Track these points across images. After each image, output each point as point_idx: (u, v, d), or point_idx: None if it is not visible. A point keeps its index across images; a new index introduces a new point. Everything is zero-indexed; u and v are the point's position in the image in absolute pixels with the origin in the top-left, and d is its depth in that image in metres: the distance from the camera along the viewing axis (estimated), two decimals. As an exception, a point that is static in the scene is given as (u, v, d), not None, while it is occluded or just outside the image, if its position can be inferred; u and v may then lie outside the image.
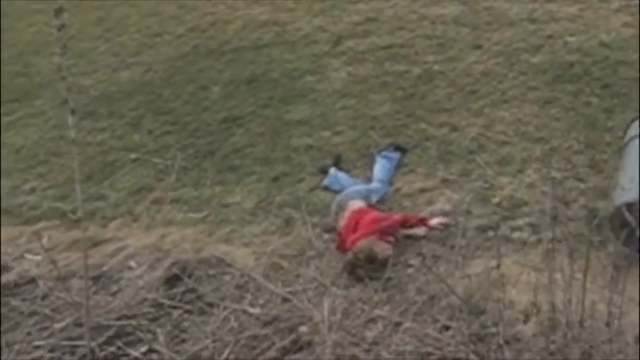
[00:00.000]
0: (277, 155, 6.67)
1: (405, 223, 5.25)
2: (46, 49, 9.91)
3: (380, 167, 5.99)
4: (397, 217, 5.29)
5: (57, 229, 6.58)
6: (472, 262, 4.92)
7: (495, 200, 5.44)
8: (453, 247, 5.06)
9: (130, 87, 8.67)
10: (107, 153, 7.52)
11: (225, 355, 4.29)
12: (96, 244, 6.25)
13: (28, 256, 6.17)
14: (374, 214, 5.37)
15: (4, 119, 8.69)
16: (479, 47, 7.49)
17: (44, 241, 6.37)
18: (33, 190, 7.27)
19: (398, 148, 6.16)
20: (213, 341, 4.47)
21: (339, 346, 4.15)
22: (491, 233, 5.14)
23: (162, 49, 9.29)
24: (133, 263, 5.79)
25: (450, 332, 4.22)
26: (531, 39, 7.37)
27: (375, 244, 5.05)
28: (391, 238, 5.17)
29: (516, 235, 5.10)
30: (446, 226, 5.29)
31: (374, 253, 4.99)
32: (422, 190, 5.75)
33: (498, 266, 4.40)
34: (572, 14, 7.56)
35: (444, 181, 5.77)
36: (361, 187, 5.77)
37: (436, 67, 7.30)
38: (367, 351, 4.16)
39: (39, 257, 6.05)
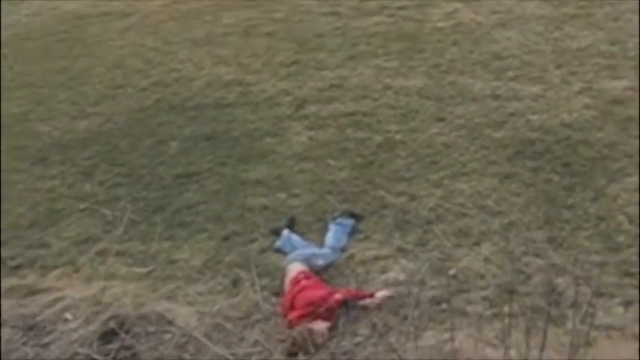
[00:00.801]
0: (231, 214, 6.48)
1: (346, 301, 5.05)
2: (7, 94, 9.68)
3: (332, 233, 5.85)
4: (338, 296, 5.07)
5: (-6, 276, 6.27)
6: (424, 333, 4.73)
7: (451, 272, 5.29)
8: (405, 318, 4.88)
9: (86, 136, 8.44)
10: (55, 200, 7.26)
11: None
12: (33, 292, 5.97)
13: (-42, 301, 5.83)
14: (311, 292, 5.14)
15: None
16: (441, 120, 7.44)
17: (-22, 287, 6.06)
18: (-31, 238, 6.95)
19: (352, 215, 6.02)
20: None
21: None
22: (445, 305, 4.97)
23: (124, 101, 9.11)
24: (69, 315, 5.51)
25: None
26: (494, 115, 7.34)
27: (310, 331, 4.83)
28: (331, 317, 4.98)
29: (471, 308, 4.94)
30: (391, 299, 5.10)
31: (308, 342, 4.76)
32: (376, 258, 5.59)
33: (451, 339, 4.25)
34: (535, 94, 7.58)
35: (400, 249, 5.62)
36: (306, 250, 5.59)
37: (398, 137, 7.22)
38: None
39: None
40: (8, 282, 6.14)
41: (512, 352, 4.22)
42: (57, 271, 6.20)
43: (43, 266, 6.29)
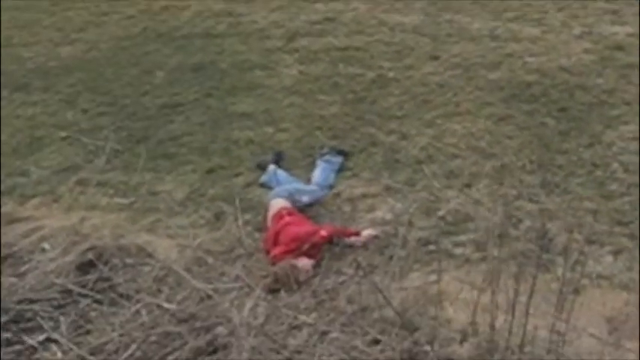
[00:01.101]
0: (216, 147, 6.30)
1: (332, 238, 4.92)
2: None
3: (320, 170, 5.67)
4: (324, 232, 4.91)
5: (-30, 203, 6.09)
6: (410, 275, 4.62)
7: (440, 213, 5.15)
8: (391, 258, 4.76)
9: (70, 63, 8.21)
10: (36, 128, 7.06)
11: (130, 351, 3.88)
12: (11, 221, 5.79)
13: None
14: (295, 228, 4.98)
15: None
16: (436, 58, 7.24)
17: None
18: (-48, 160, 6.75)
19: (341, 152, 5.84)
20: (120, 335, 4.06)
21: (258, 351, 3.78)
22: (432, 247, 4.84)
23: (110, 29, 8.85)
24: (46, 245, 5.34)
25: (380, 346, 3.90)
26: (490, 55, 7.14)
27: (293, 267, 4.69)
28: (316, 255, 4.85)
29: (459, 250, 4.81)
30: (377, 238, 4.97)
31: (291, 279, 4.62)
32: (364, 196, 5.44)
33: (438, 281, 4.13)
34: (534, 36, 7.37)
35: (388, 188, 5.47)
36: (291, 186, 5.43)
37: (391, 74, 7.02)
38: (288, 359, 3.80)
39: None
40: (-15, 211, 5.97)
41: (500, 297, 4.13)
42: (36, 200, 6.02)
43: (21, 195, 6.11)
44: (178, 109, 6.93)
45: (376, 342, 3.95)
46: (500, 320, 3.91)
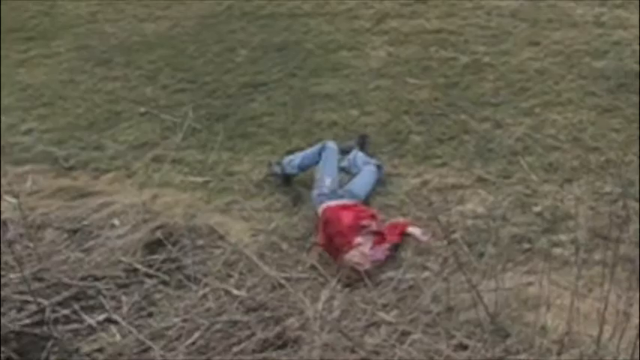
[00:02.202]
0: (297, 128, 5.97)
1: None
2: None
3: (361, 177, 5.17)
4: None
5: (45, 175, 5.95)
6: (501, 275, 4.14)
7: (536, 209, 4.69)
8: (481, 255, 4.32)
9: (153, 40, 8.01)
10: (115, 103, 6.89)
11: (193, 339, 3.59)
12: (83, 195, 5.63)
13: (7, 197, 5.51)
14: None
15: (18, 57, 8.09)
16: (536, 44, 6.71)
17: (28, 184, 5.75)
18: (29, 131, 6.66)
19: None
20: (184, 320, 3.77)
21: (331, 348, 3.43)
22: (527, 245, 4.39)
23: (194, 7, 8.61)
24: (116, 221, 5.14)
25: (467, 353, 3.48)
26: (595, 43, 6.58)
27: (354, 258, 4.36)
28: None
29: (557, 251, 4.34)
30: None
31: (354, 272, 4.28)
32: (454, 187, 5.02)
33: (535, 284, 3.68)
34: (645, 23, 6.77)
35: (480, 180, 5.03)
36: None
37: (486, 59, 6.55)
38: (363, 360, 3.44)
39: (16, 200, 5.40)
40: (59, 182, 5.83)
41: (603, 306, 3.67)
42: (109, 175, 5.84)
43: (96, 169, 5.95)
44: (260, 89, 6.63)
45: (463, 347, 3.55)
46: (606, 332, 3.46)
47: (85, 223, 5.18)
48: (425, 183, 5.11)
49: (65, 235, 4.97)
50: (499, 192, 4.88)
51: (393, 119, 5.87)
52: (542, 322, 3.76)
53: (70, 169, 6.04)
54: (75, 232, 5.02)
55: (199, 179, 5.52)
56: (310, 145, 5.52)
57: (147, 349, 3.52)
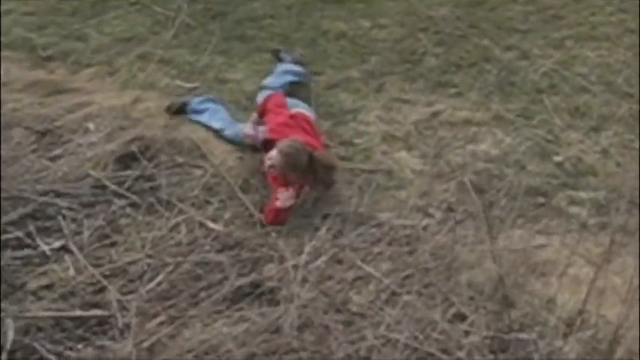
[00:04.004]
0: (300, 36, 5.41)
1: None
2: None
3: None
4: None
5: (20, 64, 5.41)
6: (511, 231, 3.70)
7: (557, 159, 4.18)
8: (490, 205, 3.84)
9: None
10: (105, -12, 6.25)
11: (157, 280, 3.15)
12: (58, 91, 5.10)
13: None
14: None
15: None
16: (576, -34, 6.04)
17: (-1, 75, 5.22)
18: (9, 12, 6.08)
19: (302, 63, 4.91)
20: (149, 256, 3.32)
21: (311, 307, 3.00)
22: (542, 199, 3.91)
23: None
24: (91, 125, 4.63)
25: (464, 326, 3.06)
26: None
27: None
28: None
29: (575, 210, 3.85)
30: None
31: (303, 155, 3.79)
32: (467, 122, 4.49)
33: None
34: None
35: (498, 117, 4.50)
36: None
37: (518, -22, 5.89)
38: (346, 323, 3.01)
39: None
40: (34, 75, 5.28)
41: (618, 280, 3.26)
42: (90, 70, 5.29)
43: (76, 62, 5.39)
44: (265, -13, 6.01)
45: (461, 318, 3.12)
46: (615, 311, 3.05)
47: (57, 124, 4.67)
48: (435, 114, 4.58)
49: (33, 138, 4.47)
50: (517, 134, 4.36)
51: (408, 36, 5.31)
52: (551, 294, 3.32)
53: (48, 59, 5.48)
54: (44, 134, 4.52)
55: (187, 84, 4.98)
56: (314, 57, 4.98)
57: (102, 290, 3.09)
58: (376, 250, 3.50)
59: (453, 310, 3.16)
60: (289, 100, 4.31)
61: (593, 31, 5.25)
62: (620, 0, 5.59)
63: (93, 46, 5.56)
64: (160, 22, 5.73)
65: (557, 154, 4.21)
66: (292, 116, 4.12)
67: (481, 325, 3.04)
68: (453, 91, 4.76)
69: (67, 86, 5.14)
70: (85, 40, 5.64)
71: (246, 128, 4.27)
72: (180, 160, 4.20)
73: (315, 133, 4.10)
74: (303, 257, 3.20)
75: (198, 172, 4.12)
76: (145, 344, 2.75)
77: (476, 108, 4.58)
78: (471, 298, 3.26)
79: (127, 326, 2.88)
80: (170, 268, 3.22)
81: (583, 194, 3.95)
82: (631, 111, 4.49)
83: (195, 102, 4.65)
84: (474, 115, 4.52)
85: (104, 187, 3.93)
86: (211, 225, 3.54)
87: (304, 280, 3.09)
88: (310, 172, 3.77)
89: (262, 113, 4.22)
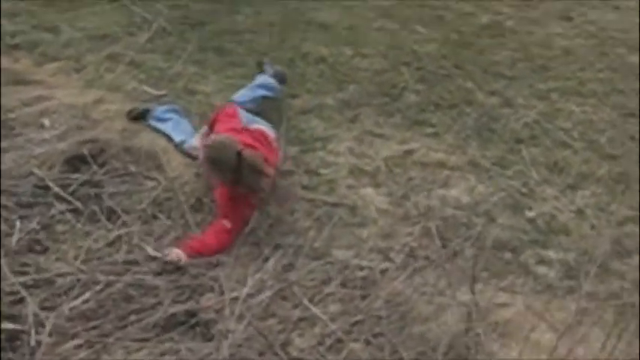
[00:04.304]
0: (280, 55, 5.18)
1: None
2: None
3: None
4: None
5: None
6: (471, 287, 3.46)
7: (530, 214, 3.97)
8: (454, 255, 3.62)
9: None
10: (86, -18, 6.02)
11: (82, 298, 2.86)
12: (19, 82, 4.84)
13: None
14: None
15: None
16: (568, 19, 5.97)
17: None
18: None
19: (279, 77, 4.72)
20: (80, 270, 3.03)
21: (246, 347, 2.74)
22: (509, 256, 3.69)
23: None
24: (46, 122, 4.37)
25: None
26: (635, 34, 5.80)
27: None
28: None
29: (543, 270, 3.63)
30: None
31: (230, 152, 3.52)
32: (441, 165, 4.27)
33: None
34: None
35: (473, 163, 4.29)
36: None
37: (509, 24, 5.77)
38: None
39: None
40: (-5, 63, 5.02)
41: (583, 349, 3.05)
42: (56, 64, 5.06)
43: (43, 54, 5.17)
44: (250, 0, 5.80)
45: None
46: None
47: (12, 116, 4.41)
48: (409, 152, 4.37)
49: (-23, 129, 4.19)
50: (491, 183, 4.15)
51: (390, 69, 5.12)
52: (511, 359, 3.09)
53: (15, 47, 5.23)
54: (-5, 125, 4.25)
55: (154, 91, 4.74)
56: (291, 79, 4.77)
57: (20, 301, 2.80)
58: (327, 290, 3.25)
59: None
60: (247, 116, 4.08)
61: (581, 86, 5.08)
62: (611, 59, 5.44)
63: (63, 39, 5.34)
64: (137, 24, 5.52)
65: (530, 208, 4.00)
66: (246, 129, 3.88)
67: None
68: (429, 130, 4.55)
69: (29, 77, 4.91)
70: (56, 32, 5.43)
71: (195, 140, 4.02)
72: (133, 169, 3.94)
73: (271, 148, 3.87)
74: (245, 290, 2.93)
75: (150, 183, 3.87)
76: (55, 368, 2.47)
77: (451, 151, 4.37)
78: (422, 354, 3.02)
79: (40, 345, 2.59)
80: (101, 285, 2.94)
81: (553, 254, 3.73)
82: (611, 174, 4.30)
83: (159, 110, 4.41)
84: (449, 158, 4.31)
85: (47, 188, 3.66)
86: (150, 251, 3.25)
87: (242, 316, 2.82)
88: (237, 174, 3.49)
89: (212, 125, 3.98)
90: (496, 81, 5.05)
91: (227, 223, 3.49)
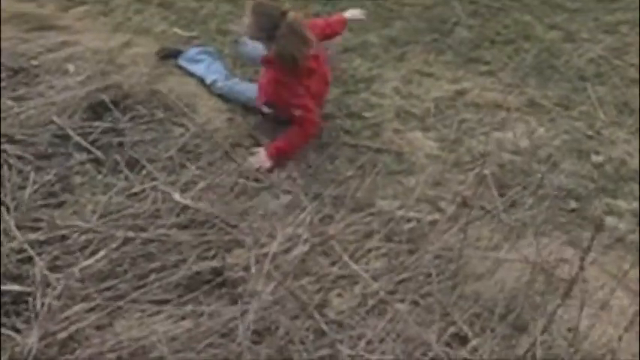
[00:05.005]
0: None
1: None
2: None
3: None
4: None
5: (8, -4, 4.87)
6: (534, 239, 3.09)
7: (597, 159, 3.57)
8: (512, 204, 3.25)
9: None
10: None
11: (97, 257, 2.58)
12: (44, 27, 4.55)
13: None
14: None
15: None
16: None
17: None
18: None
19: None
20: (93, 229, 2.75)
21: (276, 310, 2.43)
22: (574, 204, 3.30)
23: None
24: (71, 67, 4.08)
25: (464, 351, 2.48)
26: None
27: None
28: None
29: (612, 222, 3.24)
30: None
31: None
32: (496, 105, 3.89)
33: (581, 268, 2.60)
34: None
35: (532, 103, 3.90)
36: None
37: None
38: (317, 333, 2.44)
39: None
40: (22, 7, 4.75)
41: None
42: (82, 9, 4.76)
43: (69, -1, 4.86)
44: None
45: (461, 339, 2.54)
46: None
47: (35, 63, 4.13)
48: (461, 93, 3.99)
49: (4, 75, 3.93)
50: (553, 125, 3.75)
51: (441, 3, 4.69)
52: (573, 323, 2.73)
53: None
54: (17, 72, 3.98)
55: (184, 33, 4.42)
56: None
57: (28, 260, 2.54)
58: (369, 244, 2.92)
59: (452, 329, 2.58)
60: None
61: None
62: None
63: (90, -21, 5.01)
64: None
65: (597, 153, 3.60)
66: None
67: (485, 353, 2.46)
68: (483, 68, 4.15)
69: (54, 22, 4.62)
70: (82, -28, 5.09)
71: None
72: (160, 114, 3.64)
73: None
74: (274, 245, 2.62)
75: (178, 130, 3.56)
76: (62, 335, 2.20)
77: (508, 90, 3.97)
78: (476, 316, 2.68)
79: (49, 308, 2.33)
80: (118, 242, 2.66)
81: (623, 204, 3.34)
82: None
83: (192, 51, 4.10)
84: (505, 99, 3.91)
85: (67, 137, 3.38)
86: (178, 198, 2.96)
87: (271, 275, 2.51)
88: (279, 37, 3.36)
89: None
90: (556, 13, 4.60)
91: (296, 111, 3.42)
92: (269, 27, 3.39)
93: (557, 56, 4.25)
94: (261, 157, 3.35)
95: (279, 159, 3.36)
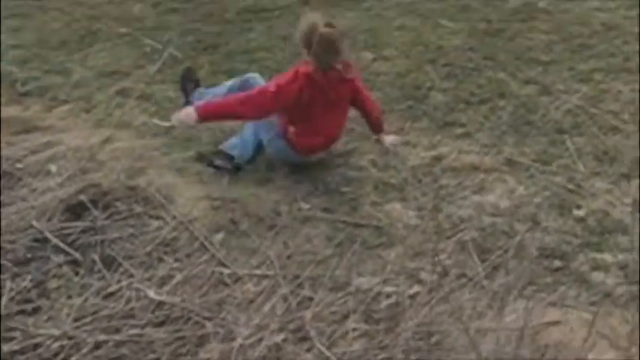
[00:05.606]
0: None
1: None
2: None
3: None
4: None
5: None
6: (518, 303, 3.03)
7: (579, 213, 3.52)
8: (494, 269, 3.20)
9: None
10: (96, 20, 5.87)
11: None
12: (28, 130, 4.65)
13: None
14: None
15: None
16: (607, -8, 5.45)
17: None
18: (-5, 46, 5.70)
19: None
20: (63, 335, 2.74)
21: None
22: (559, 263, 3.25)
23: None
24: (53, 167, 4.15)
25: None
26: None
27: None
28: None
29: (598, 277, 3.18)
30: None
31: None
32: (474, 168, 3.88)
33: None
34: None
35: (511, 162, 3.88)
36: None
37: (541, 4, 5.29)
38: None
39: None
40: (8, 111, 4.86)
41: None
42: (65, 107, 4.89)
43: (53, 98, 5.00)
44: (261, 15, 5.52)
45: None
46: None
47: (19, 166, 4.20)
48: (438, 158, 3.98)
49: (-18, 184, 3.99)
50: (532, 182, 3.73)
51: (414, 69, 4.74)
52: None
53: (25, 95, 5.08)
54: (4, 176, 4.05)
55: (164, 123, 4.47)
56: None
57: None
58: (347, 326, 2.88)
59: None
60: None
61: (626, 62, 4.60)
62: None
63: (74, 80, 5.16)
64: (148, 55, 5.30)
65: (578, 207, 3.55)
66: None
67: None
68: (459, 131, 4.16)
69: (38, 124, 4.74)
70: (66, 74, 5.27)
71: None
72: (138, 209, 3.66)
73: None
74: (243, 336, 2.58)
75: (156, 223, 3.57)
76: None
77: (485, 151, 3.96)
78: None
79: None
80: (90, 346, 2.64)
81: (609, 257, 3.27)
82: (669, 155, 3.82)
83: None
84: (483, 160, 3.90)
85: (45, 240, 3.41)
86: (151, 294, 2.95)
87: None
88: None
89: None
90: (531, 68, 4.62)
91: (272, 87, 3.58)
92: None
93: (533, 111, 4.25)
94: (188, 114, 3.57)
95: (207, 119, 3.63)
